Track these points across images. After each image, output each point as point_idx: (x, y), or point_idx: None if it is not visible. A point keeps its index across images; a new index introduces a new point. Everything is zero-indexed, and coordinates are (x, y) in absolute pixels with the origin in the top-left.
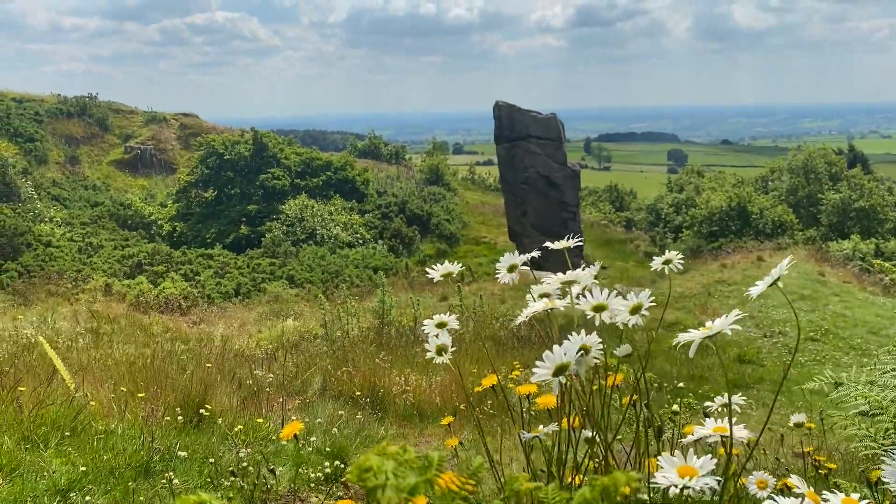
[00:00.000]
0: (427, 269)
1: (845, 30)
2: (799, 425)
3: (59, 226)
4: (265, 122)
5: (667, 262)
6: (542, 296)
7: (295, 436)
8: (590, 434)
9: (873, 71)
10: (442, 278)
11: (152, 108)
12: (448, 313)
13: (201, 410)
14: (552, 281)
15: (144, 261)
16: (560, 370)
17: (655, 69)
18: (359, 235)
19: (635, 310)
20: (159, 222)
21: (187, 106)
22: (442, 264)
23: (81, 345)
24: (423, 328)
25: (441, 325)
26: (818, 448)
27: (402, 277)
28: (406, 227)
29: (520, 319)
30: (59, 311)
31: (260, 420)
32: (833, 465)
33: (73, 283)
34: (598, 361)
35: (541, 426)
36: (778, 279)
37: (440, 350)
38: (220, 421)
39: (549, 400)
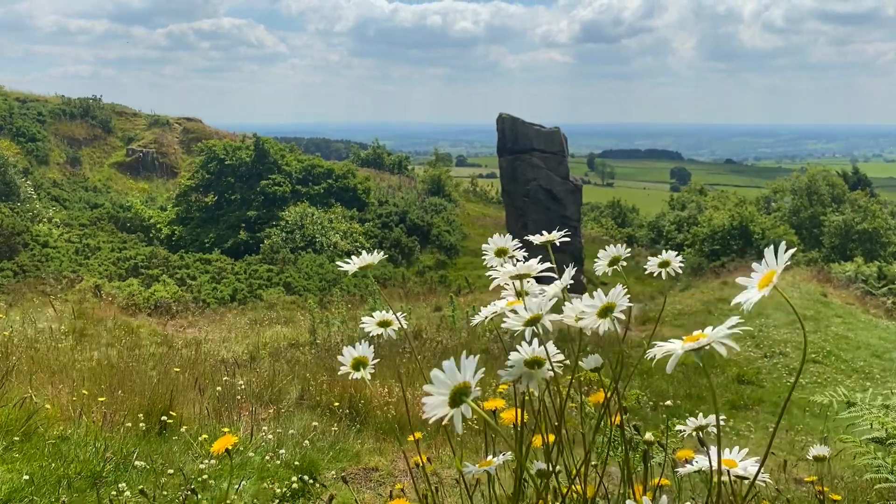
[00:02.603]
0: (339, 262)
1: (850, 52)
2: (819, 459)
3: (58, 226)
4: (269, 128)
5: (664, 263)
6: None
7: (227, 450)
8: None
9: (878, 94)
10: (359, 271)
11: (155, 112)
12: (437, 322)
13: (165, 417)
14: (500, 274)
15: (141, 264)
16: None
17: (660, 87)
18: (358, 244)
19: (605, 311)
20: (158, 226)
21: (191, 110)
22: (440, 275)
23: (51, 346)
24: (362, 326)
25: (384, 325)
26: (821, 476)
27: (398, 287)
28: (406, 237)
29: (475, 321)
30: (44, 311)
31: (226, 430)
32: (837, 497)
33: (68, 283)
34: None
35: (489, 456)
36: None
37: (357, 364)
38: (183, 429)
39: (513, 415)
